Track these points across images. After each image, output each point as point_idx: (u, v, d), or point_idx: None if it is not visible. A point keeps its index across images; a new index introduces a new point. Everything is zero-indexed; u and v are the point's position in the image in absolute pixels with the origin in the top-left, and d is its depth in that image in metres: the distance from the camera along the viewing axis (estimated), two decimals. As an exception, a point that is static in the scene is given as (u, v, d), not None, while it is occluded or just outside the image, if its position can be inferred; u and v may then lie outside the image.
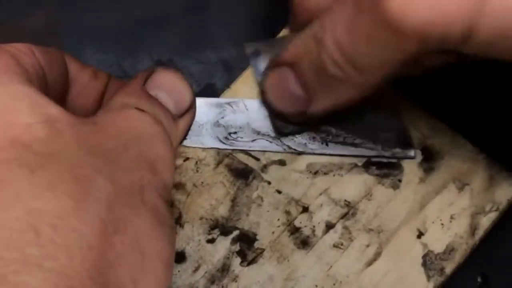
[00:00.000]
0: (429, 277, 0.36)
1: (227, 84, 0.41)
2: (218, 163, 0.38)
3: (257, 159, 0.38)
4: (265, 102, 0.38)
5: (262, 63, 0.39)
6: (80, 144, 0.27)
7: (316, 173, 0.38)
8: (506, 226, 0.38)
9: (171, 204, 0.31)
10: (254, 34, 0.46)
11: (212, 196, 0.37)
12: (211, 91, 0.45)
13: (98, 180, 0.26)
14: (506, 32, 0.29)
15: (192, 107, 0.36)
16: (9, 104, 0.27)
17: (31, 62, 0.31)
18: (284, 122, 0.38)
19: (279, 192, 0.38)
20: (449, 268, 0.36)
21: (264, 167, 0.38)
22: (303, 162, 0.38)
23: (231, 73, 0.45)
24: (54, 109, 0.28)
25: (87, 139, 0.28)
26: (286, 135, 0.38)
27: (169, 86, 0.35)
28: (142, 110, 0.32)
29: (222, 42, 0.47)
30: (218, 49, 0.46)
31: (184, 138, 0.37)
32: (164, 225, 0.29)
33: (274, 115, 0.38)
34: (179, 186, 0.37)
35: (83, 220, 0.25)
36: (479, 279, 0.40)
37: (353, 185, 0.38)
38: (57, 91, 0.33)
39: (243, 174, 0.38)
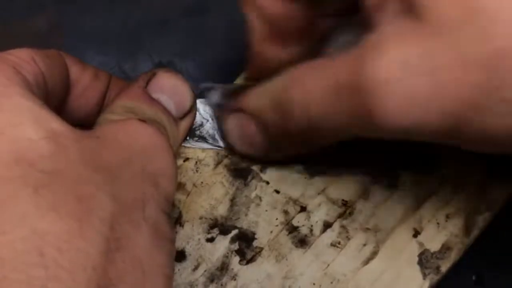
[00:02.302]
0: (425, 276, 0.36)
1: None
2: (218, 163, 0.39)
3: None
4: (226, 142, 0.38)
5: (214, 96, 0.39)
6: (84, 161, 0.27)
7: (313, 173, 0.38)
8: (501, 226, 0.38)
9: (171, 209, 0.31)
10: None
11: (211, 196, 0.38)
12: (210, 93, 0.46)
13: (101, 198, 0.26)
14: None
15: (193, 109, 0.37)
16: (12, 119, 0.27)
17: (32, 70, 0.30)
18: (246, 159, 0.38)
19: (277, 191, 0.38)
20: (444, 266, 0.36)
21: (263, 167, 0.38)
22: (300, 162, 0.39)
23: (230, 76, 0.46)
24: (57, 124, 0.27)
25: (91, 154, 0.27)
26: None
27: (170, 88, 0.36)
28: (144, 121, 0.31)
29: (221, 44, 0.47)
30: (217, 52, 0.47)
31: (185, 139, 0.38)
32: (164, 240, 0.28)
33: (236, 154, 0.39)
34: (179, 186, 0.38)
35: (87, 241, 0.25)
36: (474, 278, 0.41)
37: (350, 184, 0.38)
38: (57, 95, 0.33)
39: (242, 174, 0.38)
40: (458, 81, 0.26)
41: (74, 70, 0.35)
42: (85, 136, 0.28)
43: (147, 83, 0.35)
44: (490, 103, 0.26)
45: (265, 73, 0.35)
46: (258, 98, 0.35)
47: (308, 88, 0.31)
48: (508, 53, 0.25)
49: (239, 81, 0.41)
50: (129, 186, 0.28)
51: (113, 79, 0.37)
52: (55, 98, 0.33)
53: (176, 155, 0.35)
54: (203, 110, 0.39)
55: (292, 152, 0.36)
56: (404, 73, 0.27)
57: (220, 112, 0.38)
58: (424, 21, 0.27)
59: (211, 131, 0.39)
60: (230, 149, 0.39)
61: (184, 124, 0.36)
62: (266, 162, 0.38)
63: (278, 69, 0.33)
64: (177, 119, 0.36)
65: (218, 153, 0.39)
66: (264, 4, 0.34)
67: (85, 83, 0.35)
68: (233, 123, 0.37)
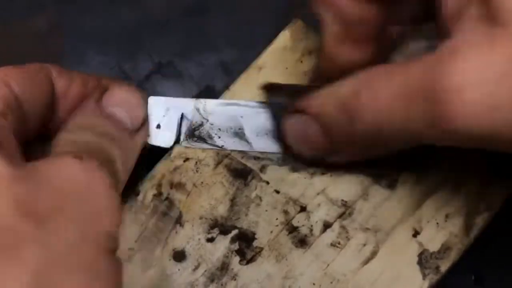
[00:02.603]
0: (424, 276, 0.36)
1: (227, 86, 0.41)
2: (218, 163, 0.39)
3: (256, 159, 0.39)
4: (282, 141, 0.38)
5: (278, 95, 0.39)
6: (14, 207, 0.26)
7: (313, 173, 0.38)
8: (500, 226, 0.38)
9: (116, 249, 0.30)
10: (253, 37, 0.46)
11: (211, 196, 0.38)
12: (210, 93, 0.46)
13: (27, 246, 0.25)
14: None
15: (146, 121, 0.37)
16: None
17: (1, 95, 0.30)
18: (299, 161, 0.38)
19: (277, 192, 0.38)
20: (444, 266, 0.36)
21: (263, 167, 0.38)
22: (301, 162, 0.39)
23: (230, 75, 0.46)
24: None
25: (23, 200, 0.26)
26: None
27: (124, 102, 0.36)
28: (80, 157, 0.30)
29: (221, 45, 0.47)
30: (217, 52, 0.47)
31: (141, 152, 0.38)
32: (103, 281, 0.28)
33: (292, 155, 0.38)
34: (179, 186, 0.38)
35: None
36: (473, 278, 0.41)
37: (350, 185, 0.38)
38: (38, 112, 0.33)
39: (242, 174, 0.38)
40: None
41: (61, 82, 0.35)
42: (20, 179, 0.27)
43: (101, 97, 0.35)
44: None
45: (333, 75, 0.35)
46: (325, 99, 0.34)
47: (379, 93, 0.31)
48: None
49: (245, 76, 0.41)
50: (61, 231, 0.27)
51: (103, 82, 0.37)
52: (36, 115, 0.33)
53: (131, 171, 0.35)
54: (203, 110, 0.39)
55: (351, 157, 0.36)
56: (483, 80, 0.26)
57: (281, 112, 0.38)
58: (506, 29, 0.27)
59: (210, 131, 0.39)
60: (285, 149, 0.38)
61: (140, 137, 0.37)
62: (320, 165, 0.38)
63: (346, 72, 0.33)
64: (132, 132, 0.36)
65: (218, 153, 0.39)
66: (341, 4, 0.34)
67: (73, 95, 0.35)
68: (294, 123, 0.37)
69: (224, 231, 0.37)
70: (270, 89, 0.39)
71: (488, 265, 0.40)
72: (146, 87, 0.46)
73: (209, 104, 0.39)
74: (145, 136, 0.37)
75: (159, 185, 0.38)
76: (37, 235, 0.26)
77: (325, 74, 0.37)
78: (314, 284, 0.36)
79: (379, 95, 0.31)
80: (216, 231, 0.37)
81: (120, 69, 0.47)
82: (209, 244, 0.37)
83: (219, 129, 0.39)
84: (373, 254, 0.37)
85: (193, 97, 0.45)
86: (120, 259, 0.30)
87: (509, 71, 0.26)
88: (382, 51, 0.36)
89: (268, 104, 0.39)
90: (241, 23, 0.47)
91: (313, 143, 0.36)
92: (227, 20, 0.47)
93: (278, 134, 0.38)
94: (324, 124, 0.35)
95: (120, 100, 0.36)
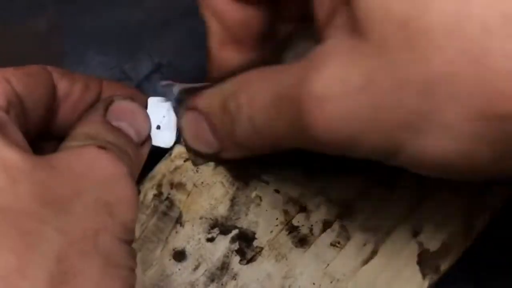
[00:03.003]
0: (424, 275, 0.36)
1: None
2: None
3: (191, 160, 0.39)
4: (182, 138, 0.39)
5: (174, 93, 0.39)
6: (33, 194, 0.27)
7: (313, 173, 0.38)
8: (498, 227, 0.38)
9: (132, 241, 0.31)
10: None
11: (211, 196, 0.38)
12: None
13: (47, 232, 0.26)
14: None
15: (149, 135, 0.37)
16: None
17: (3, 91, 0.30)
18: (199, 156, 0.38)
19: (277, 191, 0.38)
20: (444, 266, 0.36)
21: (263, 167, 0.38)
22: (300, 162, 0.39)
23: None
24: (11, 154, 0.27)
25: (41, 187, 0.27)
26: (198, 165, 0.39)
27: (129, 116, 0.36)
28: (103, 147, 0.31)
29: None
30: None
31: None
32: (118, 268, 0.28)
33: (189, 150, 0.39)
34: (179, 186, 0.38)
35: (28, 278, 0.25)
36: (471, 279, 0.41)
37: (350, 184, 0.38)
38: (39, 112, 0.33)
39: (242, 174, 0.38)
40: (395, 104, 0.26)
41: (63, 84, 0.35)
42: (38, 166, 0.28)
43: (106, 110, 0.35)
44: (426, 127, 0.26)
45: (224, 75, 0.35)
46: (209, 99, 0.35)
47: (253, 95, 0.31)
48: (444, 78, 0.25)
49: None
50: (80, 217, 0.28)
51: (105, 85, 0.37)
52: (37, 115, 0.33)
53: (136, 181, 0.35)
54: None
55: (240, 154, 0.36)
56: (342, 91, 0.27)
57: (178, 109, 0.38)
58: (366, 40, 0.26)
59: None
60: (184, 145, 0.38)
61: (144, 150, 0.37)
62: (219, 161, 0.38)
63: (235, 73, 0.34)
64: (138, 145, 0.36)
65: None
66: (222, 8, 0.34)
67: (75, 97, 0.36)
68: (187, 120, 0.37)
69: (224, 231, 0.37)
70: (169, 86, 0.40)
71: (486, 266, 0.40)
72: (146, 87, 0.46)
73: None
74: (148, 149, 0.37)
75: (160, 185, 0.38)
76: (57, 221, 0.27)
77: (215, 75, 0.37)
78: (314, 283, 0.36)
79: (254, 96, 0.31)
80: (216, 231, 0.37)
81: (120, 70, 0.47)
82: (209, 244, 0.37)
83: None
84: (373, 253, 0.37)
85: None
86: (135, 251, 0.30)
87: (366, 84, 0.26)
88: (276, 50, 0.37)
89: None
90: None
91: (203, 141, 0.37)
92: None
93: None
94: (210, 122, 0.35)
95: (125, 113, 0.36)
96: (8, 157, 0.27)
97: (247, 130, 0.32)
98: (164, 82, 0.39)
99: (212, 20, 0.35)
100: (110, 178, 0.30)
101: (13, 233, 0.25)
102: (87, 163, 0.30)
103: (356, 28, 0.27)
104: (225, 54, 0.36)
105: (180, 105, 0.38)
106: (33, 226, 0.26)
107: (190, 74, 0.46)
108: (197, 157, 0.38)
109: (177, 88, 0.38)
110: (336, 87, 0.27)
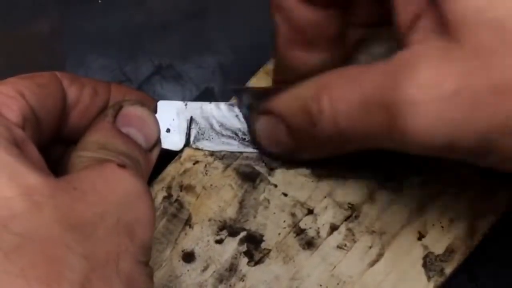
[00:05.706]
0: (429, 278, 0.37)
1: (226, 88, 0.42)
2: (227, 166, 0.39)
3: (264, 163, 0.39)
4: (255, 141, 0.39)
5: (246, 97, 0.40)
6: (57, 219, 0.26)
7: (320, 176, 0.39)
8: (501, 229, 0.39)
9: (149, 260, 0.31)
10: (252, 40, 0.46)
11: (220, 198, 0.38)
12: (209, 95, 0.46)
13: (72, 259, 0.26)
14: None
15: (159, 139, 0.37)
16: None
17: (18, 106, 0.30)
18: (272, 159, 0.39)
19: (285, 194, 0.39)
20: (448, 269, 0.37)
21: (271, 171, 0.39)
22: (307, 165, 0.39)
23: (229, 78, 0.46)
24: (33, 178, 0.27)
25: (65, 211, 0.27)
26: (273, 169, 0.39)
27: (138, 122, 0.36)
28: (123, 166, 0.31)
29: (220, 47, 0.47)
30: (216, 55, 0.47)
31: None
32: None
33: (264, 153, 0.39)
34: (189, 188, 0.38)
35: None
36: (471, 280, 0.41)
37: (356, 188, 0.39)
38: (51, 121, 0.33)
39: (250, 177, 0.39)
40: (491, 107, 0.26)
41: (73, 91, 0.35)
42: (60, 189, 0.28)
43: (115, 117, 0.35)
44: None
45: (291, 77, 0.36)
46: (287, 102, 0.35)
47: (336, 97, 0.31)
48: None
49: (254, 81, 0.41)
50: (103, 242, 0.28)
51: (113, 88, 0.38)
52: (50, 125, 0.33)
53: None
54: (211, 113, 0.40)
55: (317, 155, 0.37)
56: (437, 95, 0.27)
57: (251, 113, 0.39)
58: (459, 44, 0.27)
59: (218, 134, 0.39)
60: (258, 148, 0.39)
61: (153, 155, 0.37)
62: (291, 161, 0.39)
63: (307, 74, 0.34)
64: (147, 152, 0.36)
65: (227, 156, 0.39)
66: (291, 7, 0.34)
67: (84, 103, 0.36)
68: (262, 124, 0.38)
69: (233, 233, 0.38)
70: (239, 92, 0.40)
71: (481, 262, 0.40)
72: (146, 89, 0.46)
73: (217, 107, 0.40)
74: (157, 154, 0.37)
75: (169, 188, 0.38)
76: (81, 246, 0.26)
77: (281, 77, 0.38)
78: (320, 285, 0.37)
79: (337, 99, 0.32)
80: (224, 232, 0.38)
81: (121, 72, 0.47)
82: (218, 246, 0.38)
83: (227, 131, 0.39)
84: (379, 256, 0.37)
85: (193, 99, 0.46)
86: (152, 270, 0.30)
87: (461, 88, 0.26)
88: (344, 53, 0.37)
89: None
90: (239, 26, 0.47)
91: (280, 142, 0.37)
92: (227, 23, 0.48)
93: (251, 134, 0.39)
94: (288, 125, 0.35)
95: (134, 120, 0.36)
96: (30, 182, 0.27)
97: (330, 132, 0.32)
98: (234, 86, 0.40)
99: (282, 21, 0.35)
100: (131, 197, 0.30)
101: (40, 261, 0.25)
102: (108, 183, 0.30)
103: (447, 31, 0.27)
104: (293, 55, 0.36)
105: (250, 110, 0.39)
106: (59, 252, 0.26)
107: (190, 76, 0.46)
108: (271, 160, 0.39)
109: (247, 95, 0.39)
110: (430, 91, 0.27)
